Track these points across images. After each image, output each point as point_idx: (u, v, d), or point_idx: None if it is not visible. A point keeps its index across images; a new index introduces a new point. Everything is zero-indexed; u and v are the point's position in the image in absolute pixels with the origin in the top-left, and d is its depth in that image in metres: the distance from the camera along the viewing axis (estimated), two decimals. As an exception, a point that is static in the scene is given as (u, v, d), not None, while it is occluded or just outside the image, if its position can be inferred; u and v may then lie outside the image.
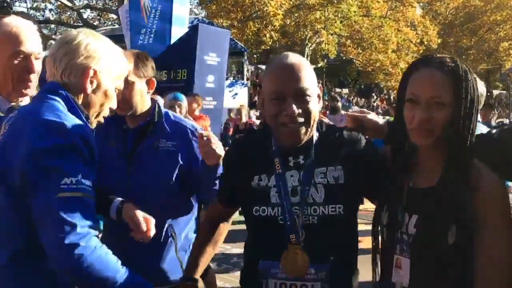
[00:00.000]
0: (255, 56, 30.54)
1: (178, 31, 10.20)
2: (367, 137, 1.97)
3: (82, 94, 1.84)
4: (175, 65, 9.75)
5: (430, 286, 1.68)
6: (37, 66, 2.20)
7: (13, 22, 2.16)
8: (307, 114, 1.83)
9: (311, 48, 27.36)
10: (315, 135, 1.93)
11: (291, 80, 1.81)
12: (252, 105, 18.31)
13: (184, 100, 6.40)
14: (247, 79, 22.02)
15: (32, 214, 1.62)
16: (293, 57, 1.87)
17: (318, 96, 1.89)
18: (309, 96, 1.82)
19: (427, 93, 1.66)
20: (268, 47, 27.32)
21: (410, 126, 1.69)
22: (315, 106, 1.85)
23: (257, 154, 1.95)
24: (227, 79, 15.35)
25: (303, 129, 1.84)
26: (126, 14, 10.76)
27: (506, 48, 34.69)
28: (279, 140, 1.91)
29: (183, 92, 9.75)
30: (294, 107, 1.79)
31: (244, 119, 7.90)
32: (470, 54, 35.76)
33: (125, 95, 2.27)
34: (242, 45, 21.14)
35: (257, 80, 25.06)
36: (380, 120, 2.05)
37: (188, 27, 10.65)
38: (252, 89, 22.99)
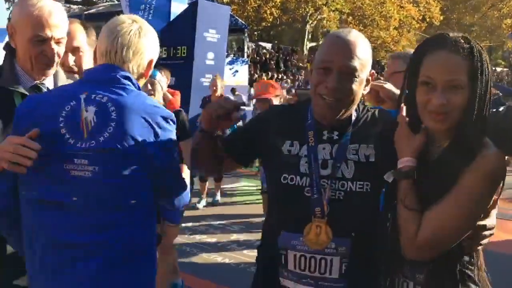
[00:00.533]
0: (255, 33, 30.27)
1: (177, 7, 10.13)
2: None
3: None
4: (174, 42, 9.71)
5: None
6: (58, 49, 2.22)
7: (38, 3, 2.18)
8: (347, 92, 1.82)
9: (312, 25, 27.16)
10: (354, 115, 1.94)
11: (343, 54, 1.81)
12: (252, 82, 18.21)
13: (158, 76, 6.32)
14: (248, 56, 21.85)
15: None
16: (354, 35, 1.86)
17: (367, 80, 1.89)
18: (356, 76, 1.82)
19: (444, 77, 1.64)
20: (268, 24, 27.09)
21: (426, 109, 1.69)
22: (359, 88, 1.84)
23: (293, 122, 1.96)
24: (227, 56, 15.25)
25: (338, 106, 1.84)
26: (125, -10, 10.66)
27: (509, 25, 34.28)
28: (315, 112, 1.92)
29: (183, 69, 9.76)
30: (336, 81, 1.80)
31: (220, 91, 7.53)
32: (473, 31, 35.39)
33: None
34: (243, 22, 20.90)
35: (258, 58, 24.93)
36: (397, 91, 2.04)
37: (188, 3, 10.57)
38: (252, 66, 22.86)
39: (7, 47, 2.29)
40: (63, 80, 2.36)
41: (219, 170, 2.21)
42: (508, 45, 34.96)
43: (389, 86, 2.07)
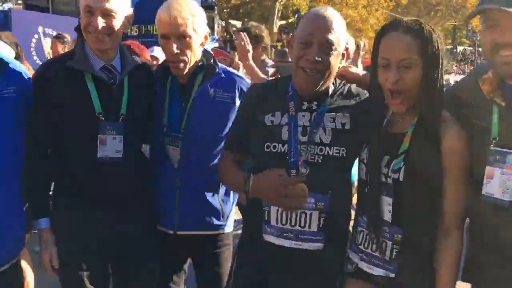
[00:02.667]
0: (225, 11, 29.98)
1: (145, -17, 9.98)
2: None
3: None
4: (145, 20, 9.54)
5: (412, 219, 1.90)
6: (103, 22, 2.29)
7: None
8: (326, 65, 2.02)
9: (282, 3, 27.06)
10: (331, 87, 2.13)
11: (322, 29, 2.00)
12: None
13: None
14: (218, 35, 21.69)
15: None
16: (330, 12, 2.05)
17: (343, 55, 2.09)
18: (334, 50, 2.01)
19: (397, 56, 1.84)
20: (238, 2, 26.87)
21: (385, 88, 1.90)
22: (336, 61, 2.05)
23: (273, 95, 2.14)
24: (197, 34, 15.08)
25: (318, 78, 2.04)
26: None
27: (473, 4, 34.88)
28: (296, 84, 2.11)
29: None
30: (317, 53, 1.98)
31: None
32: (439, 10, 36.03)
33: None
34: (213, 0, 20.69)
35: (227, 36, 24.76)
36: (361, 72, 2.28)
37: (158, -20, 10.43)
38: (222, 44, 22.72)
39: (78, 29, 2.37)
40: (129, 61, 2.47)
41: None
42: (472, 24, 35.75)
43: (354, 69, 2.28)
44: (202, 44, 2.48)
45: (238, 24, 29.65)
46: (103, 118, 2.29)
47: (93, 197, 2.29)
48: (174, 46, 2.34)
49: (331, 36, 1.99)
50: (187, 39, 2.36)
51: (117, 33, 2.32)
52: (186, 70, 2.42)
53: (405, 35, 1.84)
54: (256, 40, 4.81)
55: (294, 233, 2.03)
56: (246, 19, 32.66)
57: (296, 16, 29.15)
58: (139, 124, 2.41)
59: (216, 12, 22.28)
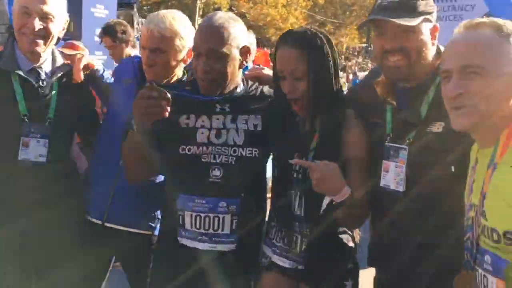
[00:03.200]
0: (145, 8, 29.35)
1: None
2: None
3: None
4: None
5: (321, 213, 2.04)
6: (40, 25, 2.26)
7: None
8: (218, 72, 2.09)
9: (203, 1, 26.96)
10: (240, 88, 2.20)
11: (208, 39, 2.06)
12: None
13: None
14: (138, 32, 21.21)
15: None
16: (220, 19, 2.09)
17: (245, 54, 2.14)
18: (224, 56, 2.06)
19: (288, 68, 2.01)
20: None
21: (288, 97, 2.04)
22: (231, 65, 2.09)
23: (187, 98, 2.17)
24: (116, 32, 14.68)
25: (214, 85, 2.11)
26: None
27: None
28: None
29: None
30: (204, 64, 2.06)
31: None
32: (354, 10, 37.61)
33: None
34: (131, -4, 20.17)
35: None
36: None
37: (72, -23, 10.07)
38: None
39: (9, 29, 2.31)
40: (60, 64, 2.42)
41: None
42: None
43: (267, 71, 2.41)
44: (184, 61, 2.51)
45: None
46: (27, 120, 2.27)
47: (13, 200, 2.27)
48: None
49: (218, 46, 2.05)
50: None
51: (53, 37, 2.31)
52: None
53: (292, 48, 2.00)
54: (122, 38, 4.73)
55: (208, 236, 2.10)
56: (166, 17, 32.29)
57: (216, 14, 29.29)
58: (67, 128, 2.40)
59: (135, 9, 21.76)
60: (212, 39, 2.06)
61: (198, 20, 28.37)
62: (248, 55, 2.20)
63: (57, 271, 2.39)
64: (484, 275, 1.56)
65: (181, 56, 2.44)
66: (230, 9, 28.26)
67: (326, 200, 1.99)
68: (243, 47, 2.14)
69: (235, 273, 2.14)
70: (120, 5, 14.51)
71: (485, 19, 1.63)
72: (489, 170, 1.57)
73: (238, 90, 2.22)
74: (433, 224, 1.87)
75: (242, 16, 32.23)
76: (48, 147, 2.31)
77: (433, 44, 1.97)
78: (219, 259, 2.11)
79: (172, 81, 2.47)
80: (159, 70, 2.40)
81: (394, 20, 1.86)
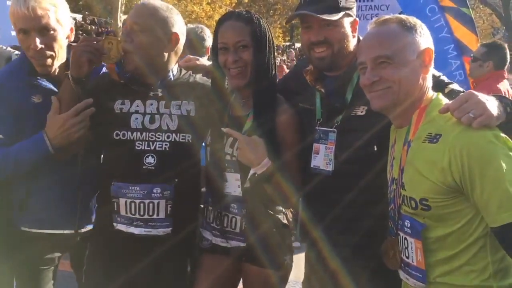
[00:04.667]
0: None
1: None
2: None
3: None
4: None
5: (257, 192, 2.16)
6: None
7: None
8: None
9: (125, -3, 26.28)
10: (172, 75, 2.25)
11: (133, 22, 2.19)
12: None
13: None
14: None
15: None
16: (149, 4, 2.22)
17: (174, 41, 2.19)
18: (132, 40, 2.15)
19: (233, 39, 2.11)
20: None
21: (226, 68, 2.14)
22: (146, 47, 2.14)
23: (121, 83, 2.18)
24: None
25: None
26: None
27: (307, 4, 38.04)
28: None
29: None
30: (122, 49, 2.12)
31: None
32: (277, 9, 38.33)
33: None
34: (48, -10, 19.27)
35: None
36: (208, 63, 2.52)
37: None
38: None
39: None
40: None
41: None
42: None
43: (201, 61, 2.51)
44: (68, 37, 2.32)
45: (78, 17, 28.01)
46: None
47: None
48: (37, 40, 2.15)
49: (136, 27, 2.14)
50: (51, 32, 2.20)
51: None
52: (55, 66, 2.26)
53: (238, 22, 2.14)
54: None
55: (143, 221, 2.14)
56: (87, 12, 31.04)
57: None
58: None
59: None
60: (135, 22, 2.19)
61: (121, 16, 27.63)
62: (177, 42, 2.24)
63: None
64: (405, 238, 1.77)
65: (68, 32, 2.35)
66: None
67: (251, 172, 2.11)
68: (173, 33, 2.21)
69: (171, 256, 2.19)
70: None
71: (392, 16, 1.85)
72: (405, 147, 1.78)
73: (171, 76, 2.27)
74: (360, 199, 2.05)
75: (166, 12, 31.85)
76: None
77: (353, 36, 2.16)
78: (155, 243, 2.15)
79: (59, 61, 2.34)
80: (55, 52, 2.29)
81: (319, 16, 2.04)
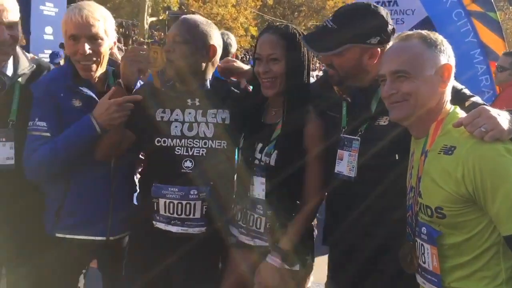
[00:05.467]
0: (91, 5, 28.69)
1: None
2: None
3: None
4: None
5: (282, 196, 2.31)
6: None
7: None
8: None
9: (152, -1, 26.75)
10: (208, 84, 2.42)
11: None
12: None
13: None
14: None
15: None
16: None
17: (207, 52, 2.36)
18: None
19: (266, 52, 2.29)
20: (106, -4, 25.95)
21: (258, 77, 2.32)
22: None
23: (161, 93, 2.36)
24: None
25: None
26: None
27: (332, 6, 37.85)
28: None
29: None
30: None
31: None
32: (302, 11, 38.34)
33: None
34: (78, -7, 19.76)
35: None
36: (245, 66, 2.67)
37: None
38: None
39: None
40: (24, 66, 2.41)
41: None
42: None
43: (238, 63, 2.66)
44: (111, 49, 2.51)
45: (106, 19, 28.52)
46: None
47: None
48: (86, 46, 2.32)
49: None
50: (99, 40, 2.37)
51: (16, 39, 2.36)
52: (97, 74, 2.44)
53: (273, 35, 2.30)
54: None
55: (180, 220, 2.31)
56: (114, 15, 31.69)
57: (167, 13, 29.11)
58: None
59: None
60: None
61: (147, 18, 28.11)
62: (213, 53, 2.40)
63: (28, 265, 2.43)
64: (422, 244, 1.86)
65: (111, 43, 2.51)
66: (180, 8, 28.20)
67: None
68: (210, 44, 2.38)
69: (205, 253, 2.37)
70: (68, 2, 14.31)
71: (414, 32, 1.94)
72: (422, 157, 1.88)
73: (208, 85, 2.44)
74: (380, 204, 2.14)
75: (192, 15, 32.21)
76: (15, 150, 2.34)
77: (369, 63, 2.20)
78: (190, 241, 2.32)
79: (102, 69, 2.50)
80: (100, 58, 2.43)
81: (315, 51, 2.24)
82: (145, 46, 2.25)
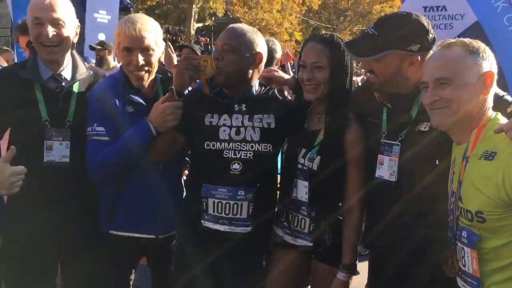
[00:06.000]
0: (141, 12, 29.57)
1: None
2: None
3: None
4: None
5: (324, 199, 2.39)
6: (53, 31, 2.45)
7: None
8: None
9: (198, 6, 27.24)
10: (254, 90, 2.54)
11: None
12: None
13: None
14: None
15: None
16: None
17: (253, 59, 2.49)
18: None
19: (311, 59, 2.38)
20: (154, 3, 26.70)
21: (302, 83, 2.42)
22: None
23: (210, 98, 2.49)
24: (115, 36, 14.92)
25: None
26: (7, -33, 10.04)
27: (378, 10, 37.28)
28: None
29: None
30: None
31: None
32: (348, 16, 38.02)
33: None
34: (129, 1, 20.41)
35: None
36: (286, 76, 2.77)
37: (75, -17, 10.31)
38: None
39: (29, 43, 2.54)
40: (81, 71, 2.59)
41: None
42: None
43: (280, 73, 2.75)
44: (159, 59, 2.69)
45: (154, 25, 29.31)
46: (49, 125, 2.48)
47: (41, 198, 2.46)
48: (140, 57, 2.49)
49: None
50: (150, 52, 2.53)
51: (67, 42, 2.51)
52: (147, 82, 2.61)
53: (318, 44, 2.39)
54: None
55: (228, 219, 2.44)
56: (162, 21, 32.51)
57: (213, 19, 29.61)
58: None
59: (132, 13, 22.07)
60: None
61: (194, 24, 28.69)
62: (259, 61, 2.52)
63: (82, 262, 2.55)
64: (462, 247, 1.90)
65: (160, 53, 2.69)
66: (225, 14, 28.59)
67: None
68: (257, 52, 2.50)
69: (250, 251, 2.48)
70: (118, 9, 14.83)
71: (455, 40, 1.98)
72: (463, 163, 1.91)
73: (254, 91, 2.56)
74: (420, 209, 2.18)
75: (237, 20, 32.58)
76: (70, 149, 2.51)
77: (410, 70, 2.23)
78: (237, 240, 2.44)
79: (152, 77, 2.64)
80: (151, 67, 2.59)
81: (355, 56, 2.31)
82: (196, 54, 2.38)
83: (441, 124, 1.96)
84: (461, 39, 1.99)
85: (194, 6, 26.75)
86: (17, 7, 9.23)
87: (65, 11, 2.51)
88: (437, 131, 2.06)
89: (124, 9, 20.59)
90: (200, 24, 28.54)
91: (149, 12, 30.51)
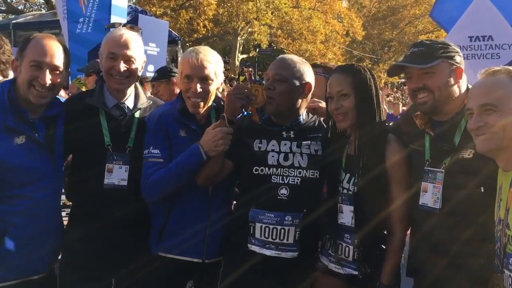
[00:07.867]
0: (187, 44, 30.54)
1: (117, 21, 10.36)
2: None
3: None
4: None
5: (369, 224, 2.38)
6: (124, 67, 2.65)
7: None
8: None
9: (243, 38, 27.90)
10: (302, 118, 2.62)
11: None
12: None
13: None
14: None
15: None
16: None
17: (303, 88, 2.57)
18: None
19: (335, 90, 2.44)
20: (201, 36, 27.54)
21: (333, 115, 2.46)
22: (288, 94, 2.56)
23: (259, 125, 2.58)
24: (163, 67, 15.47)
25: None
26: (63, 2, 10.69)
27: (423, 40, 37.09)
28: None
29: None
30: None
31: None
32: (392, 46, 37.89)
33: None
34: (176, 34, 21.22)
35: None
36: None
37: (128, 18, 10.83)
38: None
39: (98, 72, 2.74)
40: (143, 100, 2.76)
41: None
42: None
43: (323, 104, 2.80)
44: (217, 89, 2.79)
45: (201, 57, 30.14)
46: (111, 150, 2.64)
47: (100, 218, 2.58)
48: (198, 86, 2.61)
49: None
50: (209, 81, 2.65)
51: (135, 76, 2.68)
52: (203, 110, 2.69)
53: (340, 74, 2.45)
54: None
55: (275, 244, 2.47)
56: (208, 53, 33.41)
57: (257, 50, 30.19)
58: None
59: (179, 46, 22.86)
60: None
61: (238, 55, 29.35)
62: (308, 90, 2.61)
63: (133, 284, 2.65)
64: (509, 275, 1.85)
65: (219, 84, 2.79)
66: (269, 45, 29.07)
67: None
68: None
69: (296, 276, 2.50)
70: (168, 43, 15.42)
71: (500, 67, 1.99)
72: (511, 189, 1.88)
73: (301, 119, 2.62)
74: (465, 237, 2.16)
75: (281, 52, 33.06)
76: (129, 173, 2.65)
77: (456, 83, 2.29)
78: (283, 265, 2.46)
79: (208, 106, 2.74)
80: (208, 96, 2.69)
81: (411, 65, 2.29)
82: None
83: (486, 150, 1.96)
84: (506, 66, 2.01)
85: (239, 38, 27.42)
86: (73, 40, 9.83)
87: (137, 49, 2.69)
88: (481, 158, 2.05)
89: (172, 42, 21.46)
90: (244, 55, 29.17)
91: (196, 44, 31.53)
